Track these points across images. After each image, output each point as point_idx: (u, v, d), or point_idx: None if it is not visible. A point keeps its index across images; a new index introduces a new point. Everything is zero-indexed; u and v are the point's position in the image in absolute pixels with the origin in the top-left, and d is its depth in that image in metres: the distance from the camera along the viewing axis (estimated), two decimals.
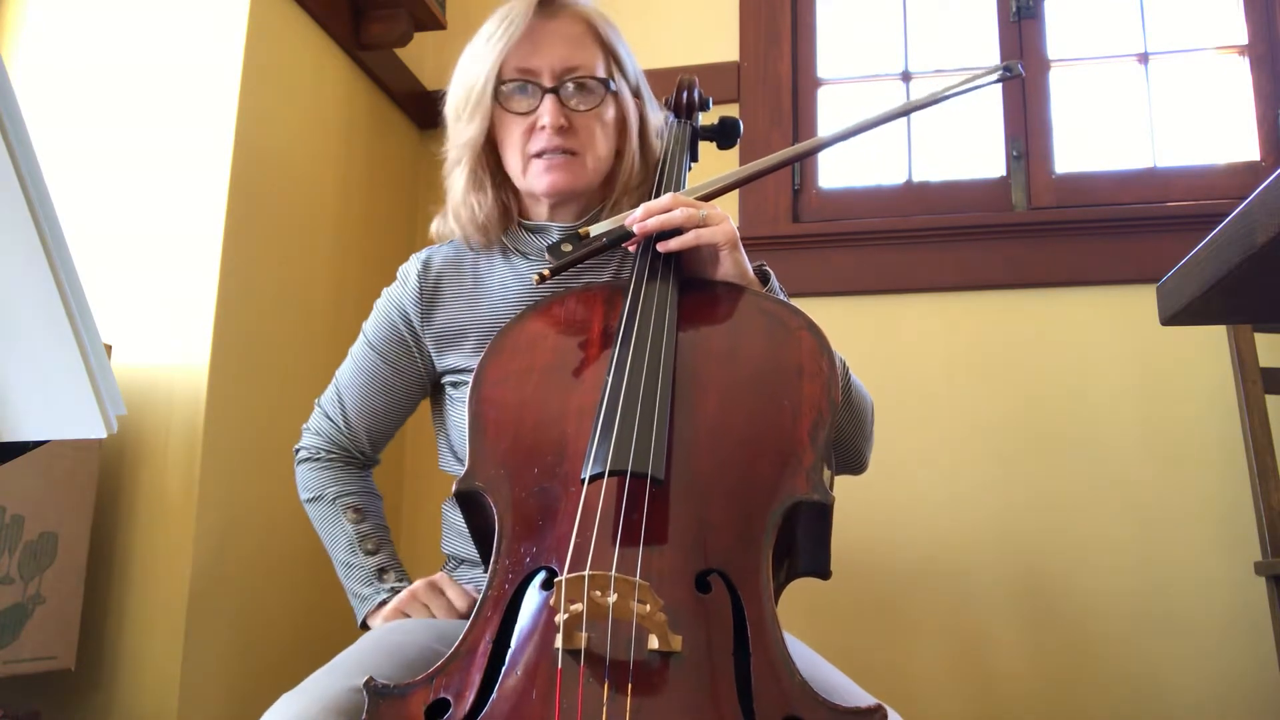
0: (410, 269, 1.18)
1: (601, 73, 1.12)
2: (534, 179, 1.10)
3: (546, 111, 1.08)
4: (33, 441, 0.62)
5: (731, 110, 2.11)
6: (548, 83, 1.09)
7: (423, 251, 1.21)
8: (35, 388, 0.60)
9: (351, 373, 1.20)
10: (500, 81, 1.09)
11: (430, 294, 1.16)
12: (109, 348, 1.55)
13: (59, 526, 1.39)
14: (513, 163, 1.12)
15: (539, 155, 1.09)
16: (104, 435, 0.59)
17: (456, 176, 1.16)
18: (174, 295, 1.56)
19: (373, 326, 1.20)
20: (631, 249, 1.05)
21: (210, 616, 1.51)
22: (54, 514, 1.38)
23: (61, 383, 0.59)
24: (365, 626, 1.11)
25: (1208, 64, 2.04)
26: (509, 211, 1.17)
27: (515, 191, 1.17)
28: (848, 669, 0.99)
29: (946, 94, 1.14)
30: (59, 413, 0.60)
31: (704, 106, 1.31)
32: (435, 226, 1.20)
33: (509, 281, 1.14)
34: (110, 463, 1.52)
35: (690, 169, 1.24)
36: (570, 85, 1.10)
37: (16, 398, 0.59)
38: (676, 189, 1.13)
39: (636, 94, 1.18)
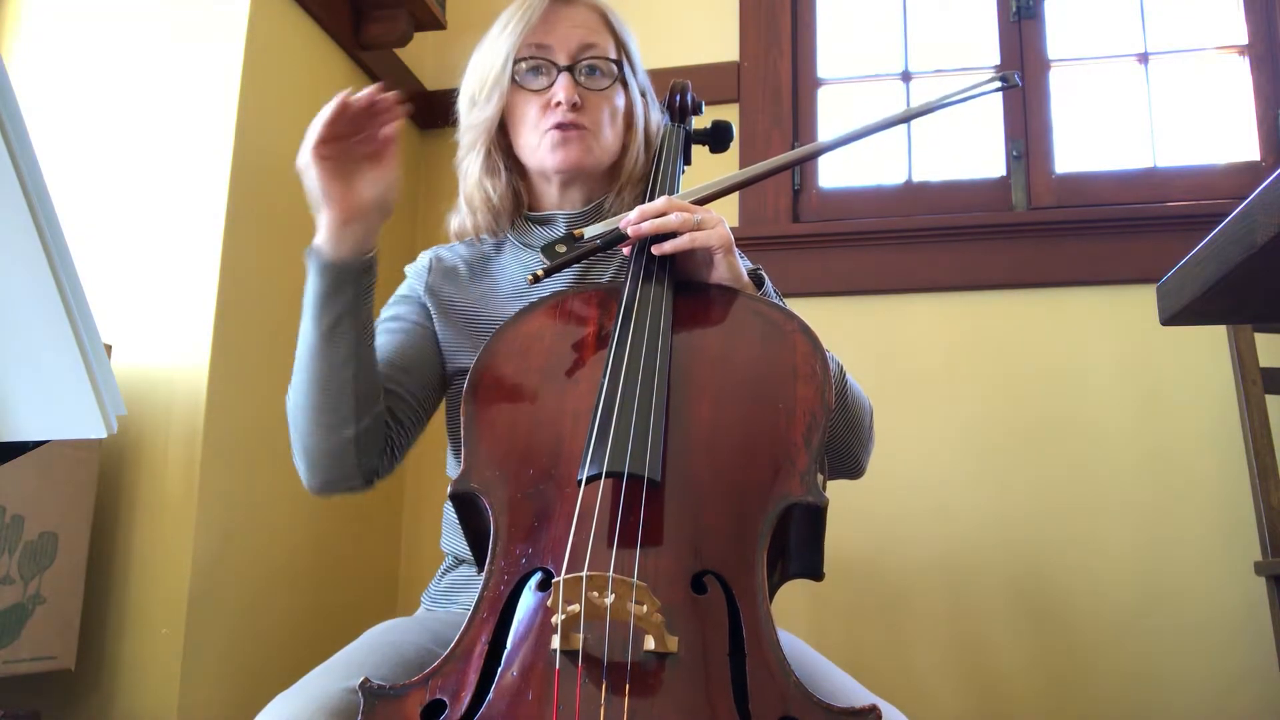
0: (422, 260, 1.20)
1: (614, 56, 1.15)
2: (546, 154, 1.12)
3: (561, 87, 1.10)
4: (33, 441, 0.62)
5: (731, 110, 2.11)
6: (563, 61, 1.12)
7: (431, 249, 1.22)
8: (35, 388, 0.60)
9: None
10: (518, 60, 1.12)
11: (440, 281, 1.16)
12: (109, 348, 1.56)
13: (59, 526, 1.39)
14: (528, 140, 1.13)
15: (553, 130, 1.11)
16: (104, 435, 0.59)
17: (470, 161, 1.18)
18: (174, 295, 1.56)
19: (391, 303, 1.18)
20: (626, 251, 1.06)
21: (210, 616, 1.51)
22: (54, 514, 1.39)
23: (61, 383, 0.59)
24: (315, 251, 1.00)
25: (1208, 64, 2.04)
26: (520, 198, 1.19)
27: (524, 178, 1.19)
28: (849, 667, 1.00)
29: (943, 103, 1.15)
30: (59, 413, 0.60)
31: (697, 110, 1.32)
32: (454, 225, 1.21)
33: (515, 276, 1.15)
34: (110, 463, 1.52)
35: (683, 172, 1.25)
36: (584, 65, 1.12)
37: (16, 398, 0.60)
38: (671, 192, 1.14)
39: (643, 93, 1.20)
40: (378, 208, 0.99)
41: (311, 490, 1.06)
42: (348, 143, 0.97)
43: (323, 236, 0.99)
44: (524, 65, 1.12)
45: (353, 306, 1.00)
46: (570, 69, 1.11)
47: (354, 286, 1.00)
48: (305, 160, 0.96)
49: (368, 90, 0.95)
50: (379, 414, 1.05)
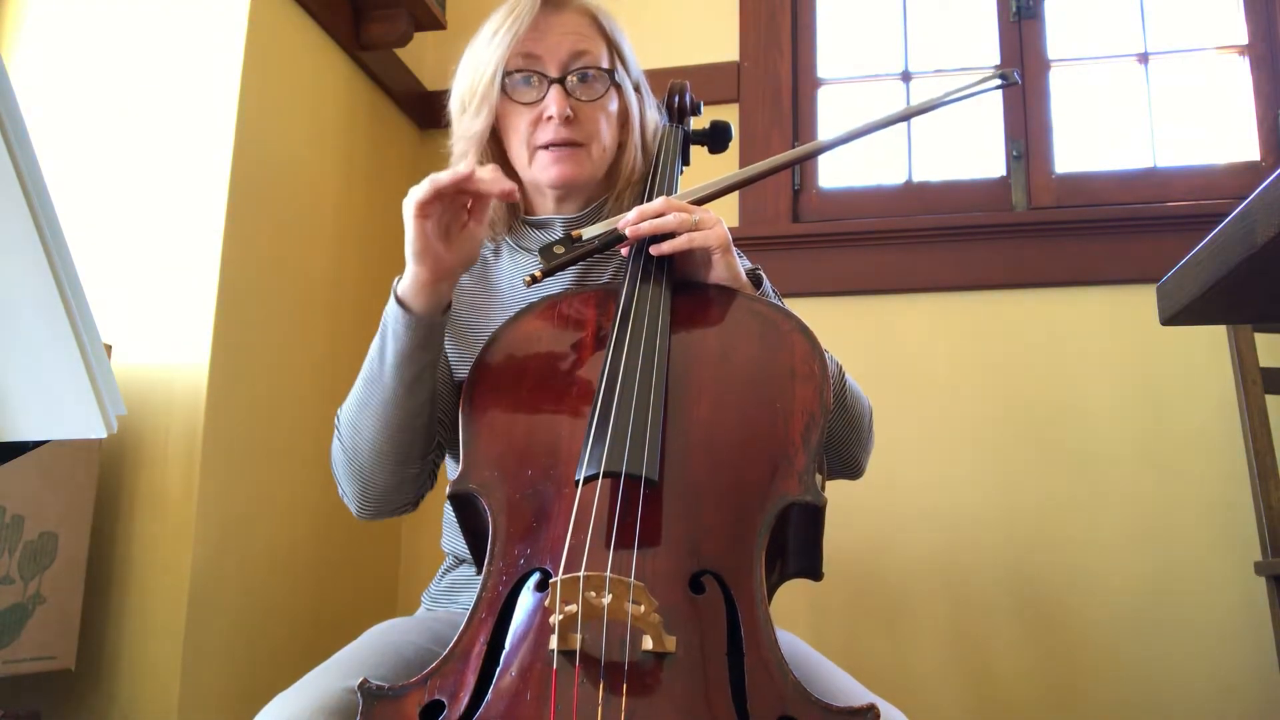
0: None
1: (606, 64, 1.13)
2: (540, 171, 1.11)
3: (553, 102, 1.08)
4: (33, 441, 0.62)
5: (731, 110, 2.11)
6: (554, 73, 1.10)
7: None
8: (35, 388, 0.60)
9: None
10: (507, 73, 1.10)
11: None
12: (109, 348, 1.56)
13: (59, 526, 1.39)
14: (518, 154, 1.12)
15: (545, 147, 1.10)
16: (104, 435, 0.59)
17: None
18: (174, 295, 1.56)
19: None
20: (624, 252, 1.05)
21: (210, 616, 1.51)
22: (54, 514, 1.39)
23: (61, 383, 0.59)
24: (403, 306, 0.97)
25: (1208, 64, 2.04)
26: (515, 205, 1.18)
27: (519, 184, 1.18)
28: (848, 667, 1.00)
29: (942, 101, 1.14)
30: (59, 413, 0.61)
31: (695, 111, 1.31)
32: None
33: (514, 280, 1.15)
34: (110, 463, 1.52)
35: (682, 173, 1.24)
36: (575, 76, 1.10)
37: (16, 398, 0.60)
38: (669, 193, 1.14)
39: (637, 89, 1.19)
40: (463, 264, 0.98)
41: (361, 517, 1.06)
42: (450, 202, 0.95)
43: (408, 287, 0.96)
44: (514, 77, 1.10)
45: (436, 358, 1.00)
46: (561, 80, 1.09)
47: (440, 341, 1.00)
48: (408, 212, 0.94)
49: (507, 186, 0.94)
50: (438, 444, 1.06)
